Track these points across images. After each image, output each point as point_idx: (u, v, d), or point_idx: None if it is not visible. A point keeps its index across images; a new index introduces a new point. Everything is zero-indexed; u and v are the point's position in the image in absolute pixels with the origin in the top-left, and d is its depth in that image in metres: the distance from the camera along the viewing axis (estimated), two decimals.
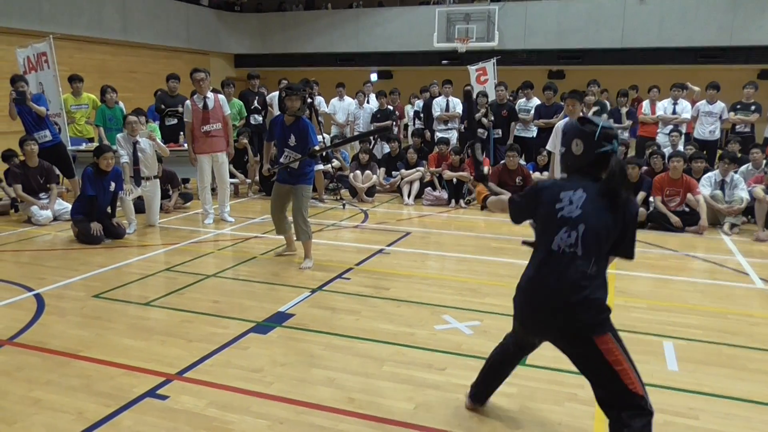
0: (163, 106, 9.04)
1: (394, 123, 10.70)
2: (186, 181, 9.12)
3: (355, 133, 10.48)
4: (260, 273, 5.25)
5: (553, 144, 5.78)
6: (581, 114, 5.96)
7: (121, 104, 8.99)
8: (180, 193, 8.12)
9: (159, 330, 3.94)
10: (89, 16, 13.98)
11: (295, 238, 5.64)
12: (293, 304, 4.42)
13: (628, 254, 2.42)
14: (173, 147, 8.28)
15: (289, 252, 5.85)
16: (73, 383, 3.20)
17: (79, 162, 8.20)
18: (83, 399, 3.03)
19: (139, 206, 6.98)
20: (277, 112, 9.98)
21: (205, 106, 6.93)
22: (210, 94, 7.01)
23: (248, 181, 9.24)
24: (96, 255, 5.78)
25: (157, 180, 7.03)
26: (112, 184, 6.33)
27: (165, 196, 7.69)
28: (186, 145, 8.80)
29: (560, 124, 5.75)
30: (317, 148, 5.36)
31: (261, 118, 9.61)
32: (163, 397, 3.05)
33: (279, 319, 4.14)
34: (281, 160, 5.44)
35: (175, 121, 9.00)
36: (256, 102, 9.41)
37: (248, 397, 3.06)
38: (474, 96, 10.15)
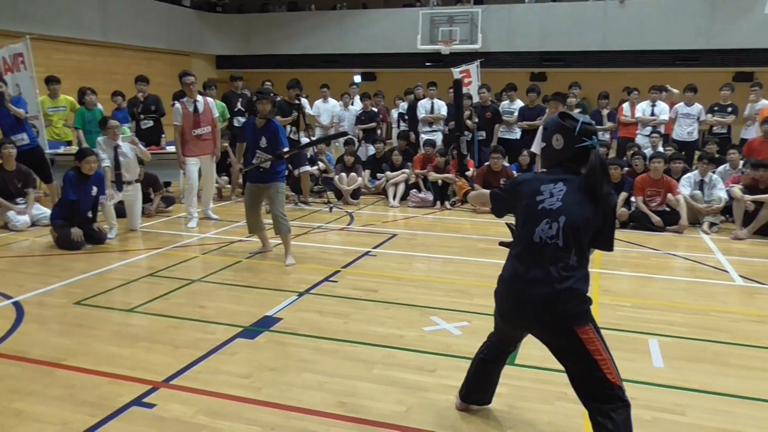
0: (135, 110, 8.93)
1: (378, 125, 10.69)
2: (168, 184, 9.02)
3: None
4: (246, 277, 5.21)
5: (538, 146, 5.81)
6: None
7: (100, 106, 8.87)
8: (162, 196, 8.03)
9: (144, 337, 3.89)
10: (68, 17, 13.79)
11: (275, 233, 5.76)
12: (281, 308, 4.39)
13: (607, 246, 2.46)
14: (154, 150, 8.19)
15: (264, 251, 5.98)
16: (56, 393, 3.13)
17: (58, 166, 8.06)
18: (67, 409, 2.97)
19: (120, 210, 6.88)
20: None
21: (196, 109, 7.04)
22: (199, 98, 7.13)
23: (228, 186, 9.19)
24: (76, 261, 5.69)
25: (139, 184, 6.94)
26: (94, 189, 6.23)
27: (147, 199, 7.60)
28: (167, 148, 8.79)
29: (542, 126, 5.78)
30: (285, 150, 5.63)
31: (244, 120, 9.53)
32: (151, 405, 3.00)
33: (266, 323, 4.11)
34: (253, 161, 5.65)
35: (152, 123, 8.90)
36: (239, 104, 9.33)
37: (238, 404, 3.03)
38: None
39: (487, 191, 2.83)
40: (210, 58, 18.90)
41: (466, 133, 9.61)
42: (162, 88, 11.88)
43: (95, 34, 14.56)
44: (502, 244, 2.67)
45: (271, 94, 5.75)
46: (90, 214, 6.29)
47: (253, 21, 18.63)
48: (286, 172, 5.94)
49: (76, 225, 6.07)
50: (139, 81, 9.04)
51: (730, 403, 3.09)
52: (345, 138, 9.42)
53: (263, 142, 5.60)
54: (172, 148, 8.72)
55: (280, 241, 5.73)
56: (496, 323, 2.72)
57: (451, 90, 10.51)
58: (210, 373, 3.37)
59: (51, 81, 8.73)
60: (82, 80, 11.33)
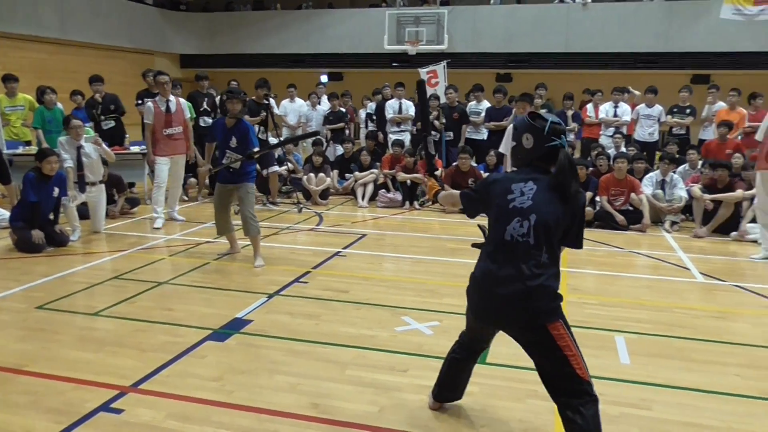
0: (94, 111, 8.71)
1: (346, 125, 10.68)
2: (131, 185, 8.84)
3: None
4: (215, 279, 5.13)
5: (506, 146, 5.90)
6: None
7: (60, 105, 8.62)
8: (126, 198, 7.85)
9: (110, 341, 3.80)
10: (25, 13, 13.35)
11: (244, 234, 5.67)
12: (250, 310, 4.34)
13: (577, 244, 2.50)
14: (118, 150, 8.01)
15: (232, 252, 5.92)
16: (19, 400, 3.03)
17: (16, 167, 7.78)
18: (31, 417, 2.88)
19: (83, 212, 6.71)
20: None
21: (168, 109, 7.09)
22: (172, 98, 7.18)
23: (186, 198, 9.03)
24: (38, 264, 5.52)
25: (103, 185, 6.78)
26: (56, 190, 6.05)
27: (111, 201, 7.41)
28: (131, 148, 8.61)
29: (511, 126, 5.86)
30: (256, 150, 5.56)
31: (210, 120, 9.40)
32: (118, 411, 2.93)
33: (236, 325, 4.06)
34: (223, 161, 5.57)
35: (113, 123, 8.71)
36: (205, 104, 9.18)
37: (208, 407, 2.98)
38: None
39: (458, 192, 2.85)
40: (174, 57, 18.56)
41: (433, 133, 9.68)
42: (124, 87, 11.61)
43: (54, 31, 14.13)
44: (475, 245, 2.70)
45: (242, 94, 5.67)
46: (51, 216, 6.11)
47: (217, 20, 18.36)
48: (256, 173, 5.86)
49: (36, 227, 5.89)
50: (94, 81, 8.80)
51: (694, 397, 3.18)
52: (314, 138, 9.37)
53: (233, 142, 5.52)
54: (136, 149, 8.57)
55: (249, 243, 5.67)
56: (468, 321, 2.74)
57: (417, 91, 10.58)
58: (179, 376, 3.31)
59: (8, 79, 8.45)
60: (40, 79, 11.01)
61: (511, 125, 5.86)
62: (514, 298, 2.37)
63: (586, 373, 2.37)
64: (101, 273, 5.25)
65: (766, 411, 3.06)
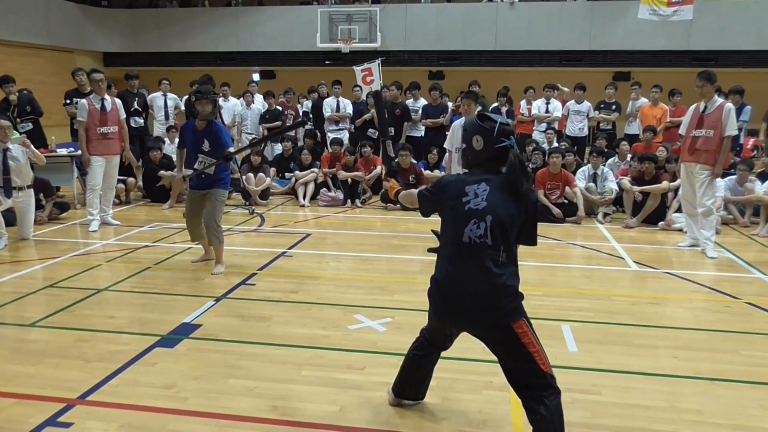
0: (9, 114, 8.18)
1: (283, 123, 10.53)
2: (57, 189, 8.39)
3: (246, 134, 10.26)
4: (158, 284, 4.96)
5: (450, 143, 5.98)
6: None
7: None
8: (55, 202, 7.44)
9: (50, 352, 3.60)
10: None
11: (207, 243, 5.45)
12: (198, 314, 4.23)
13: (531, 241, 2.56)
14: (44, 153, 7.58)
15: (207, 258, 5.61)
16: None
17: None
18: None
19: (9, 218, 6.31)
20: (158, 114, 9.52)
21: (103, 107, 6.85)
22: (107, 96, 6.94)
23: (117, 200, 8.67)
24: None
25: (31, 190, 6.40)
26: None
27: (38, 206, 7.01)
28: (58, 150, 8.17)
29: (457, 123, 5.97)
30: (232, 150, 5.26)
31: (142, 121, 9.07)
32: (66, 425, 2.79)
33: (185, 330, 3.94)
34: (195, 166, 5.25)
35: (30, 125, 8.21)
36: (135, 104, 8.84)
37: (163, 416, 2.89)
38: (369, 97, 10.26)
39: (415, 191, 2.88)
40: (96, 55, 17.72)
41: (372, 131, 9.73)
42: (44, 87, 11.02)
43: None
44: (430, 250, 2.73)
45: (212, 93, 5.26)
46: None
47: (142, 16, 17.68)
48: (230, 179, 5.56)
49: None
50: (5, 83, 8.21)
51: (638, 380, 3.35)
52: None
53: (206, 146, 5.15)
54: (63, 151, 8.16)
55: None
56: (431, 323, 2.76)
57: (356, 88, 10.59)
58: (129, 386, 3.19)
59: None
60: None
61: (456, 123, 6.02)
62: (478, 299, 2.42)
63: (549, 367, 2.44)
64: (33, 282, 4.97)
65: (704, 389, 3.26)
